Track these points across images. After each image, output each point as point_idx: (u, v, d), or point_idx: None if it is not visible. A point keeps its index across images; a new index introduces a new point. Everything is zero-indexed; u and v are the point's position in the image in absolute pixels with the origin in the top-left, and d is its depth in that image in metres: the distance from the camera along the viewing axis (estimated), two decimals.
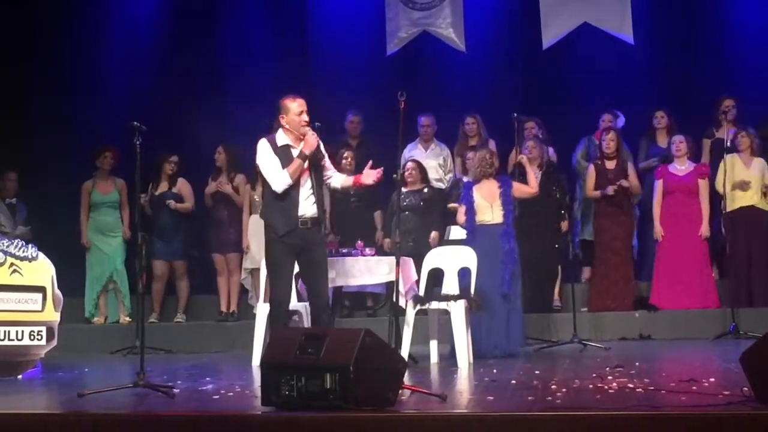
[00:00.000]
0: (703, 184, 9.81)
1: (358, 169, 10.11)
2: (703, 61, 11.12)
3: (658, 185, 9.91)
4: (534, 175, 8.79)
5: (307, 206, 6.91)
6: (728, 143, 9.74)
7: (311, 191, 6.93)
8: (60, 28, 11.76)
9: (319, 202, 6.94)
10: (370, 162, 7.17)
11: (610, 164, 9.92)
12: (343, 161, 9.71)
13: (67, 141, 11.40)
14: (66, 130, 11.48)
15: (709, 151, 10.27)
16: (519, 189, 8.49)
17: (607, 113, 10.49)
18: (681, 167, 9.88)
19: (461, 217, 8.47)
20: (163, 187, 10.50)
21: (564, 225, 9.61)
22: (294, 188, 6.89)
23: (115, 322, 10.50)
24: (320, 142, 7.02)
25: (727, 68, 11.08)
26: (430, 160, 10.40)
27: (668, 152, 10.10)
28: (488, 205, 8.27)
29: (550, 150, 10.19)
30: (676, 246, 9.79)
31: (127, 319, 10.44)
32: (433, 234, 9.78)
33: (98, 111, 11.52)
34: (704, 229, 9.76)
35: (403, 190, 9.59)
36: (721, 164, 9.69)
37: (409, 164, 9.89)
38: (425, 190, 9.91)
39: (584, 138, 10.65)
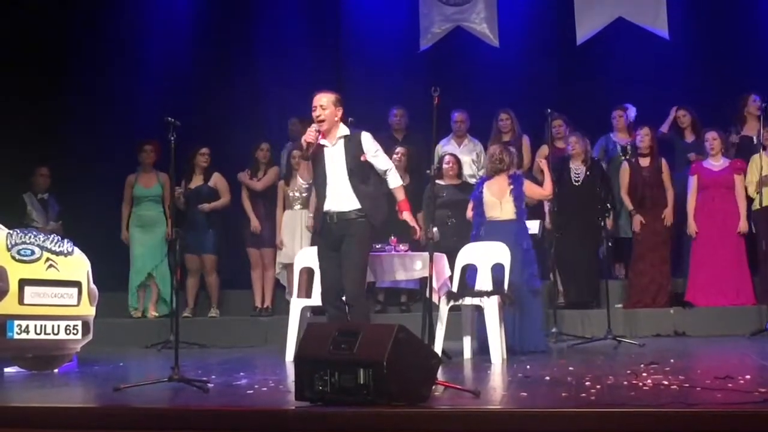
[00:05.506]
0: (739, 180, 9.70)
1: (410, 164, 10.11)
2: (736, 57, 11.01)
3: (693, 181, 9.81)
4: (550, 179, 8.63)
5: (334, 203, 6.98)
6: (760, 140, 9.64)
7: (340, 188, 6.98)
8: (97, 23, 11.85)
9: (354, 198, 6.96)
10: None
11: (644, 161, 9.84)
12: (394, 157, 9.62)
13: (103, 135, 11.49)
14: (101, 125, 11.57)
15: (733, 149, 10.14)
16: (531, 189, 8.43)
17: (617, 108, 10.41)
18: (716, 163, 9.78)
19: (468, 212, 8.48)
20: (198, 180, 10.52)
21: (609, 223, 9.46)
22: (321, 186, 7.06)
23: (143, 317, 10.54)
24: (364, 140, 7.05)
25: (763, 64, 10.97)
26: (463, 156, 10.36)
27: (699, 147, 10.01)
28: (497, 201, 8.22)
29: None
30: (711, 242, 9.71)
31: (154, 313, 10.47)
32: None
33: (134, 105, 11.60)
34: (742, 225, 9.66)
35: (442, 183, 9.59)
36: (751, 162, 9.59)
37: (448, 157, 9.87)
38: (460, 184, 9.89)
39: (602, 137, 10.58)
